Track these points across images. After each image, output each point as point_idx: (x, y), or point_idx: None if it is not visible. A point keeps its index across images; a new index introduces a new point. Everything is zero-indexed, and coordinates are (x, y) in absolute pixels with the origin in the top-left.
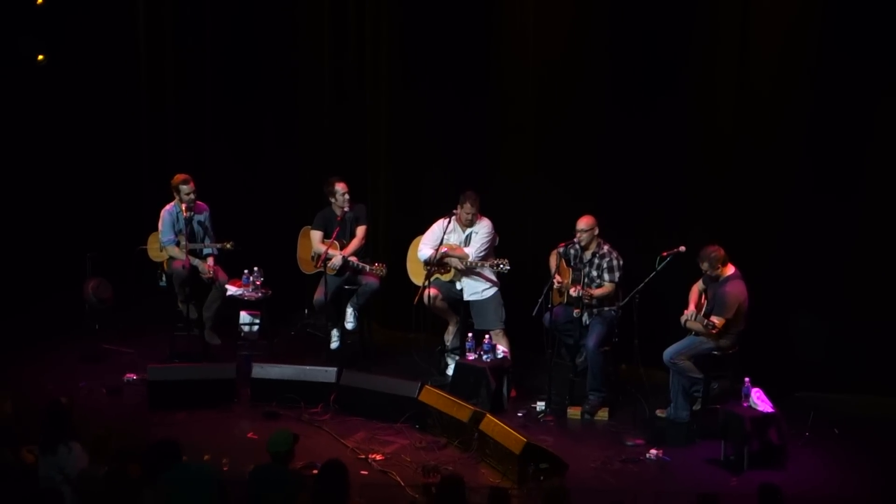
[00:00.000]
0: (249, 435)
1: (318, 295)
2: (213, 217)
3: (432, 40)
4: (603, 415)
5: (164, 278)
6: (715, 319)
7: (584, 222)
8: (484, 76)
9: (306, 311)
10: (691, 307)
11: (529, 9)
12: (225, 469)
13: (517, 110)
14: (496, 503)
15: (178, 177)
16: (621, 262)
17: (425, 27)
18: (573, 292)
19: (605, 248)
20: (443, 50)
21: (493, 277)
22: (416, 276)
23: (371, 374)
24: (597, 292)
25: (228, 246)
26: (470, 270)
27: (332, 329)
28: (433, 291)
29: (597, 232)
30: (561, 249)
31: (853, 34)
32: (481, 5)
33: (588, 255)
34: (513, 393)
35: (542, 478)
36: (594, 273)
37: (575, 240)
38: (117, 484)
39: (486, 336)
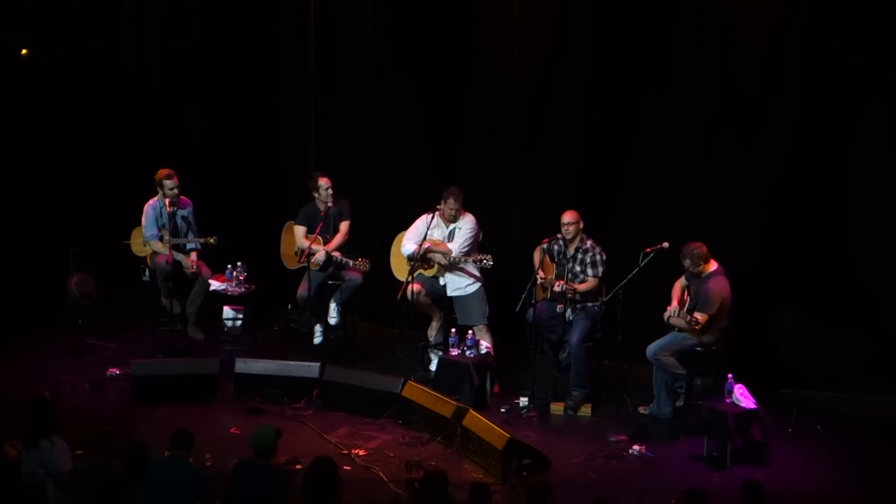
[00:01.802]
0: (232, 430)
1: (302, 290)
2: (196, 212)
3: (418, 36)
4: (586, 411)
5: (147, 273)
6: (698, 316)
7: (569, 216)
8: (470, 72)
9: (290, 306)
10: (674, 303)
11: (515, 3)
12: (208, 464)
13: (502, 106)
14: (477, 498)
15: (162, 172)
16: (604, 258)
17: (411, 22)
18: (557, 287)
19: (589, 243)
20: (429, 45)
21: (477, 273)
22: (400, 271)
23: (354, 370)
24: (580, 287)
25: (212, 241)
26: (453, 266)
27: (315, 324)
28: (416, 287)
29: (581, 226)
30: (545, 245)
31: (838, 28)
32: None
33: (572, 250)
34: (496, 389)
35: (525, 473)
36: (577, 268)
37: (560, 234)
38: (100, 478)
39: (470, 332)
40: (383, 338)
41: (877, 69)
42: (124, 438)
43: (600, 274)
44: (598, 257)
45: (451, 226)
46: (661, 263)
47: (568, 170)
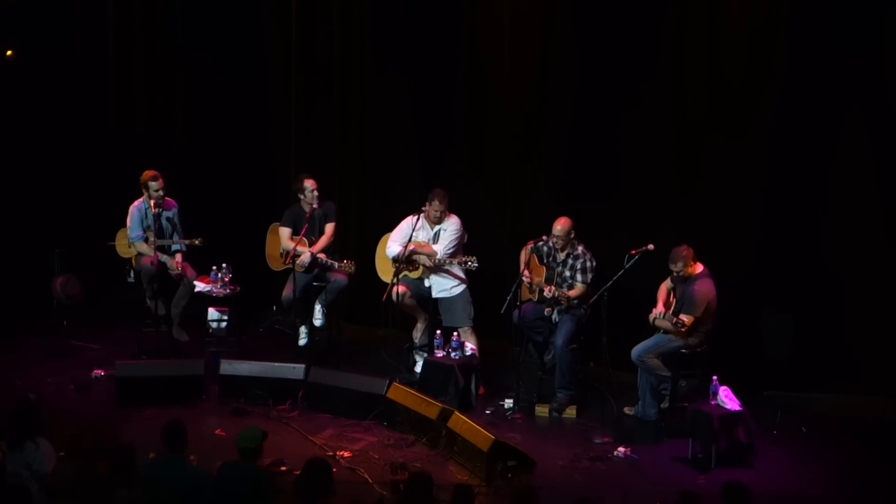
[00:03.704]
0: (217, 432)
1: (287, 292)
2: (181, 213)
3: (405, 35)
4: (571, 412)
5: (132, 274)
6: (684, 317)
7: (559, 227)
8: (457, 74)
9: (275, 307)
10: (660, 306)
11: (505, 4)
12: None
13: (489, 109)
14: (461, 500)
15: (147, 173)
16: (594, 264)
17: (398, 22)
18: (547, 293)
19: (580, 249)
20: (416, 46)
21: (462, 275)
22: (385, 273)
23: (339, 371)
24: (571, 293)
25: (197, 242)
26: (438, 268)
27: (300, 326)
28: (402, 289)
29: (573, 235)
30: (531, 246)
31: (822, 36)
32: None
33: (562, 255)
34: (481, 390)
35: (510, 475)
36: (567, 273)
37: (548, 240)
38: (86, 481)
39: (455, 333)
40: (368, 339)
41: (860, 74)
42: (108, 440)
43: (589, 280)
44: (588, 264)
45: (436, 227)
46: (647, 265)
47: (557, 173)
